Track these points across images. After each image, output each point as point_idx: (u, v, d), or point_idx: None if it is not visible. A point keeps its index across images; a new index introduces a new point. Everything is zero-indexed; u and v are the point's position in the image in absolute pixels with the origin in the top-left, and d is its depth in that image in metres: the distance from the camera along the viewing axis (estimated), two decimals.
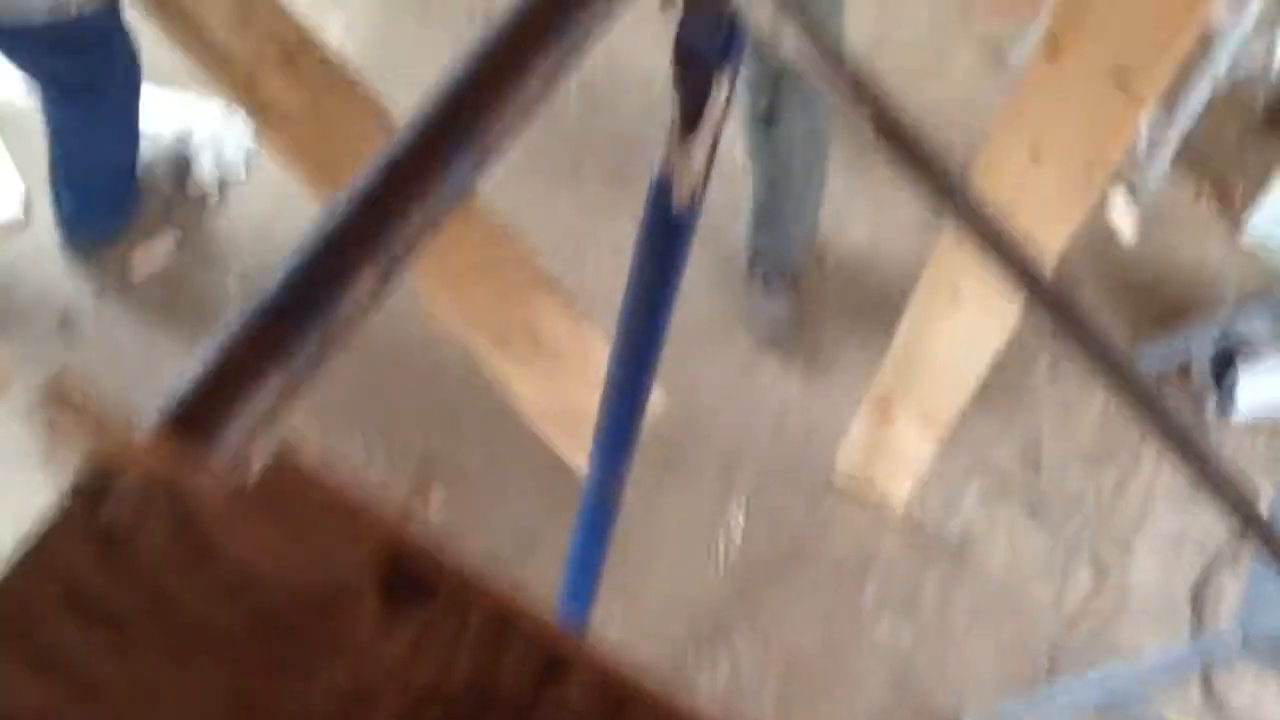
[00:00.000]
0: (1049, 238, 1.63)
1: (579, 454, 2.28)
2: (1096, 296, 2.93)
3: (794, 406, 2.68)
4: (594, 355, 2.25)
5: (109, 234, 2.59)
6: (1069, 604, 2.52)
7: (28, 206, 2.66)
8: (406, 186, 0.52)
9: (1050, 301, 0.78)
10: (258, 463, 0.45)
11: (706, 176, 0.88)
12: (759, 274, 2.75)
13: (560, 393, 2.30)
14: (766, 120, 2.34)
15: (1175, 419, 0.85)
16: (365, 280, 0.49)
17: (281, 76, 2.18)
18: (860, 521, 2.55)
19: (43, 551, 0.43)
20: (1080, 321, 0.79)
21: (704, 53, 0.77)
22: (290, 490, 0.45)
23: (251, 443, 0.46)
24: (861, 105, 0.71)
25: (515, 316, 2.23)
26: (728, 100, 0.81)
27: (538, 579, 2.17)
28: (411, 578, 0.46)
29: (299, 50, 2.22)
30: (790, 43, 0.70)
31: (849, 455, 2.52)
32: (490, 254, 2.22)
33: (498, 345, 2.24)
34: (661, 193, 0.90)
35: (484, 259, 2.21)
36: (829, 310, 2.82)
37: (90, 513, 0.43)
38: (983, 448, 2.67)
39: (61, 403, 0.41)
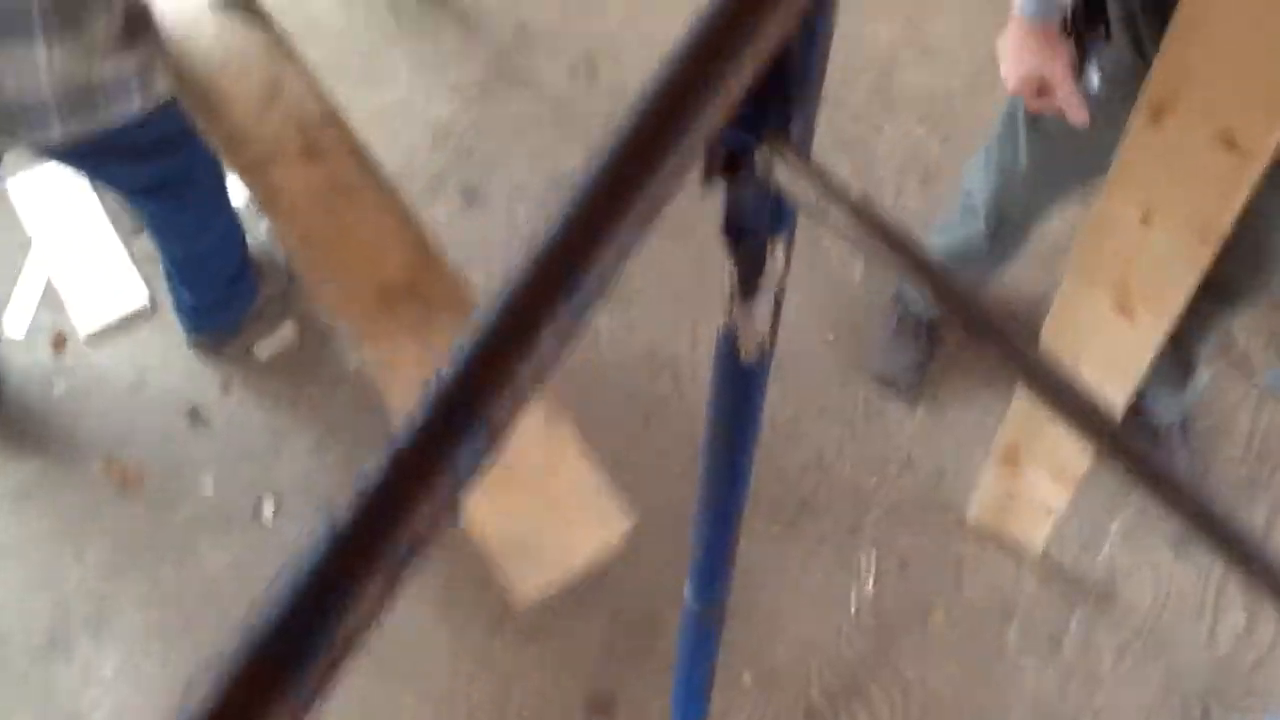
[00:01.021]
0: (1164, 300, 1.55)
1: (527, 584, 1.95)
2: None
3: (920, 449, 2.61)
4: (561, 468, 1.96)
5: (231, 321, 2.62)
6: (1222, 644, 2.41)
7: (152, 297, 2.71)
8: (410, 480, 0.49)
9: (1127, 456, 0.73)
10: None
11: (774, 332, 0.84)
12: (897, 319, 2.67)
13: (512, 512, 1.93)
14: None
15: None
16: (369, 595, 0.46)
17: (298, 165, 2.13)
18: (997, 564, 2.48)
19: None
20: (1158, 472, 0.74)
21: (754, 225, 0.73)
22: None
23: None
24: (923, 283, 0.67)
25: None
26: (786, 263, 0.77)
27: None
28: None
29: (321, 136, 2.16)
30: (839, 221, 0.66)
31: (980, 505, 2.44)
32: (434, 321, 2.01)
33: None
34: (729, 344, 0.87)
35: (423, 328, 1.99)
36: (952, 350, 2.73)
37: None
38: (1122, 484, 2.55)
39: None
